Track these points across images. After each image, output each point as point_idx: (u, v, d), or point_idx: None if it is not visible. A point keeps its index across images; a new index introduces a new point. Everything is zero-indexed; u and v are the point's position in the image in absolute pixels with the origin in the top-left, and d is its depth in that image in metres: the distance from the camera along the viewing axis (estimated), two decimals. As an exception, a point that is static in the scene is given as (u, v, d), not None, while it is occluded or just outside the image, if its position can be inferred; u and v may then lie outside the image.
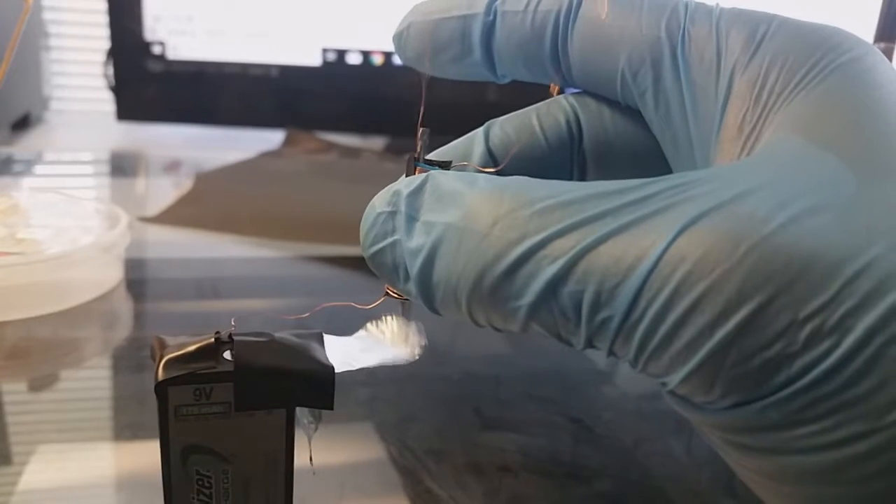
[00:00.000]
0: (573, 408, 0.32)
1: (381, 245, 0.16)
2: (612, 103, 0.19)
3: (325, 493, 0.25)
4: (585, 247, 0.13)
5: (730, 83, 0.16)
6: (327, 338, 0.18)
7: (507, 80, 0.19)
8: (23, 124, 0.81)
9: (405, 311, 0.18)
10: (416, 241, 0.15)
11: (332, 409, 0.17)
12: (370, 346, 0.18)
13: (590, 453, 0.29)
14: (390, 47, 0.74)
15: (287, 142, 0.78)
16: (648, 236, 0.13)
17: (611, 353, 0.14)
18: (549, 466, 0.28)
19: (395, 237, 0.15)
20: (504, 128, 0.19)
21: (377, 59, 0.75)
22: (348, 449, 0.28)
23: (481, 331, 0.42)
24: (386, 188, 0.16)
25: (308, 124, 0.79)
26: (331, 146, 0.77)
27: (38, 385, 0.33)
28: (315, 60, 0.75)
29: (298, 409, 0.18)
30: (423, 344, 0.18)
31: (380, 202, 0.16)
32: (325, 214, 0.56)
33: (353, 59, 0.75)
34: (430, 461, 0.27)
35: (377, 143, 0.82)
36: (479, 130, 0.19)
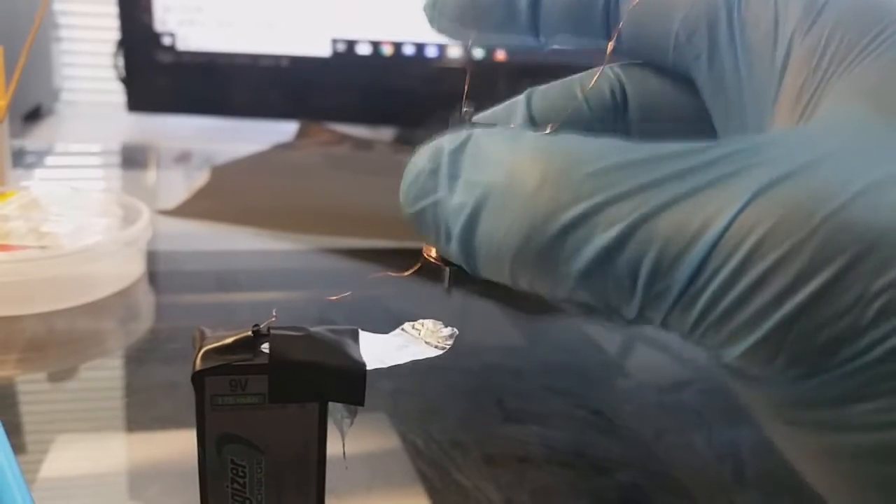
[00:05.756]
0: (594, 400, 0.32)
1: (422, 204, 0.15)
2: (658, 73, 0.19)
3: (355, 482, 0.26)
4: (646, 213, 0.12)
5: (788, 50, 0.15)
6: (363, 334, 0.18)
7: (548, 48, 0.19)
8: (34, 116, 0.81)
9: (444, 277, 0.18)
10: (459, 200, 0.14)
11: (362, 405, 0.18)
12: (405, 344, 0.18)
13: (611, 445, 0.29)
14: (400, 37, 0.74)
15: (300, 134, 0.78)
16: (715, 203, 0.12)
17: (663, 324, 0.13)
18: (571, 458, 0.28)
19: (438, 195, 0.14)
20: (547, 94, 0.19)
21: (387, 50, 0.75)
22: (375, 440, 0.28)
23: (498, 322, 0.42)
24: (429, 144, 0.15)
25: (318, 115, 0.79)
26: (344, 138, 0.77)
27: (60, 377, 0.33)
28: (325, 51, 0.75)
29: (334, 404, 0.18)
30: (455, 335, 0.18)
31: (421, 159, 0.15)
32: (341, 207, 0.56)
33: (363, 49, 0.75)
34: (455, 453, 0.28)
35: (387, 133, 0.82)
36: (521, 97, 0.19)
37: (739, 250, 0.12)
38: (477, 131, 0.15)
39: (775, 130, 0.16)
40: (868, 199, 0.12)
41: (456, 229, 0.14)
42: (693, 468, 0.28)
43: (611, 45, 0.18)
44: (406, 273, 0.18)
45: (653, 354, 0.37)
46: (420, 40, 0.75)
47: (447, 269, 0.18)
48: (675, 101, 0.19)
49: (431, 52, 0.76)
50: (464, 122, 0.17)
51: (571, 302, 0.14)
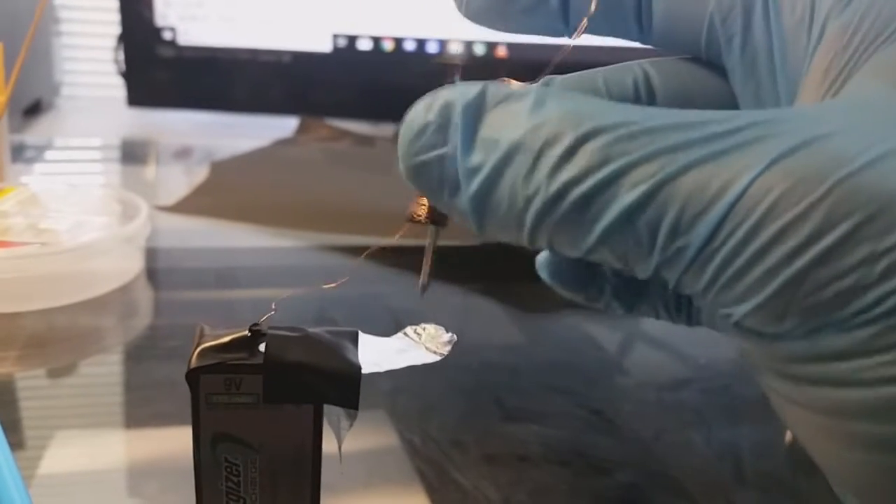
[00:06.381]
0: (593, 399, 0.32)
1: (426, 157, 0.15)
2: (690, 66, 0.19)
3: (353, 480, 0.26)
4: (667, 175, 0.13)
5: (821, 33, 0.16)
6: (363, 336, 0.18)
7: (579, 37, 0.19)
8: (34, 110, 0.81)
9: (433, 237, 0.18)
10: (477, 158, 0.14)
11: (356, 408, 0.18)
12: (404, 348, 0.18)
13: (610, 445, 0.29)
14: (401, 33, 0.74)
15: (301, 129, 0.78)
16: (735, 167, 0.13)
17: (676, 284, 0.14)
18: (570, 458, 0.28)
19: (446, 150, 0.14)
20: (566, 83, 0.19)
21: (388, 45, 0.75)
22: (373, 438, 0.28)
23: (498, 321, 0.42)
24: (430, 95, 0.15)
25: (318, 110, 0.79)
26: (344, 134, 0.77)
27: (59, 374, 0.33)
28: (325, 46, 0.75)
29: (334, 408, 0.18)
30: (454, 341, 0.18)
31: (427, 111, 0.15)
32: (342, 203, 0.56)
33: (364, 45, 0.75)
34: (453, 451, 0.28)
35: (387, 129, 0.82)
36: (537, 84, 0.19)
37: (756, 211, 0.13)
38: (490, 85, 0.15)
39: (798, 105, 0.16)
40: (879, 167, 0.12)
41: (472, 186, 0.14)
42: (692, 468, 0.28)
43: (594, 5, 0.17)
44: (396, 237, 0.18)
45: (652, 353, 0.37)
46: (421, 36, 0.75)
47: (433, 227, 0.17)
48: (708, 93, 0.19)
49: (432, 48, 0.75)
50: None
51: (587, 257, 0.14)
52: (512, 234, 0.14)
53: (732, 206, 0.13)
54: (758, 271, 0.13)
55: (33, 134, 0.75)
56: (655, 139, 0.13)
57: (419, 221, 0.17)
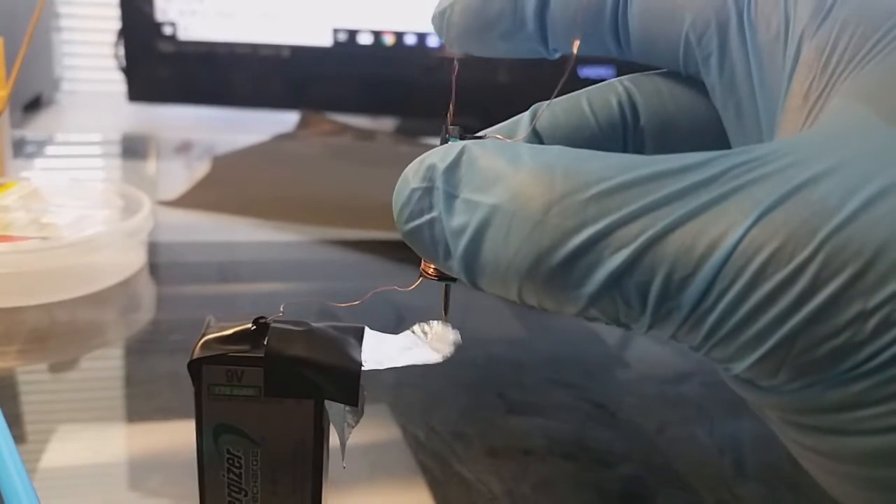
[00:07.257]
0: (596, 392, 0.32)
1: (417, 222, 0.15)
2: (669, 79, 0.19)
3: (356, 474, 0.26)
4: (652, 236, 0.13)
5: (797, 51, 0.15)
6: (369, 333, 0.18)
7: (558, 55, 0.19)
8: (34, 106, 0.81)
9: (442, 298, 0.18)
10: (459, 221, 0.14)
11: (356, 405, 0.18)
12: (409, 346, 0.18)
13: (613, 438, 0.29)
14: (401, 27, 0.74)
15: (301, 124, 0.78)
16: (719, 224, 0.13)
17: (672, 338, 0.14)
18: (573, 451, 0.28)
19: (433, 214, 0.15)
20: (552, 109, 0.19)
21: (388, 40, 0.75)
22: (376, 432, 0.28)
23: (499, 315, 0.42)
24: (418, 159, 0.15)
25: (319, 105, 0.79)
26: (345, 128, 0.77)
27: (62, 368, 0.33)
28: (326, 41, 0.75)
29: (339, 406, 0.18)
30: (459, 343, 0.18)
31: (413, 176, 0.15)
32: (343, 197, 0.56)
33: (364, 39, 0.75)
34: (456, 445, 0.28)
35: (388, 123, 0.81)
36: (525, 113, 0.19)
37: (746, 272, 0.12)
38: (469, 145, 0.15)
39: (780, 135, 0.16)
40: (866, 215, 0.12)
41: (458, 249, 0.14)
42: (695, 460, 0.28)
43: (576, 46, 0.18)
44: (409, 287, 0.18)
45: (654, 347, 0.37)
46: (421, 30, 0.75)
47: (445, 284, 0.18)
48: (690, 108, 0.19)
49: (433, 42, 0.75)
50: (450, 122, 0.17)
51: (580, 316, 0.14)
52: (504, 294, 0.14)
53: (721, 266, 0.12)
54: (749, 333, 0.13)
55: (34, 129, 0.75)
56: (635, 195, 0.13)
57: (430, 277, 0.17)
